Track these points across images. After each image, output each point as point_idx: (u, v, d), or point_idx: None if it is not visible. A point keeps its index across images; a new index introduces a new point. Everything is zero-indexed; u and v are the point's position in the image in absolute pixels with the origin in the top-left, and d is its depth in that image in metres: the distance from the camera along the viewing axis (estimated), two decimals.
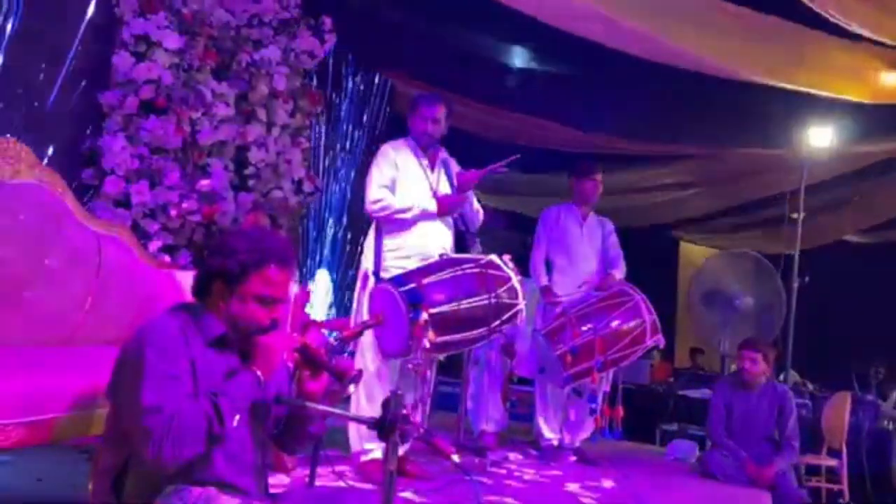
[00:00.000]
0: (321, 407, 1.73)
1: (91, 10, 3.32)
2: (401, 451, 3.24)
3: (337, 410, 1.74)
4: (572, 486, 3.63)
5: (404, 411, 1.48)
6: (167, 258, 3.56)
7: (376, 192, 3.31)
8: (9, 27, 3.02)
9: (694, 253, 9.69)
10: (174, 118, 3.59)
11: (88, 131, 3.48)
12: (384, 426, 1.46)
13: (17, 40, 3.06)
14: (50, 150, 3.28)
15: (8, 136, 2.62)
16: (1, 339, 2.31)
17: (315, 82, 4.70)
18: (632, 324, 3.99)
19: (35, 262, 2.55)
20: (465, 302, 3.02)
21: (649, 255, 9.02)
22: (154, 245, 3.56)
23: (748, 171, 7.01)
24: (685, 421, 6.05)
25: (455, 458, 1.54)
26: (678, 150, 6.58)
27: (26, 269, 2.50)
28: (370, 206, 3.32)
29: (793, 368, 5.99)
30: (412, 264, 3.20)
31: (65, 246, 2.69)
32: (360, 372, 1.79)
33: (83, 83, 3.43)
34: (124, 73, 3.51)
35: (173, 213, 3.56)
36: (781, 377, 5.53)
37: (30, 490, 2.65)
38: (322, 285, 5.66)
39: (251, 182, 4.12)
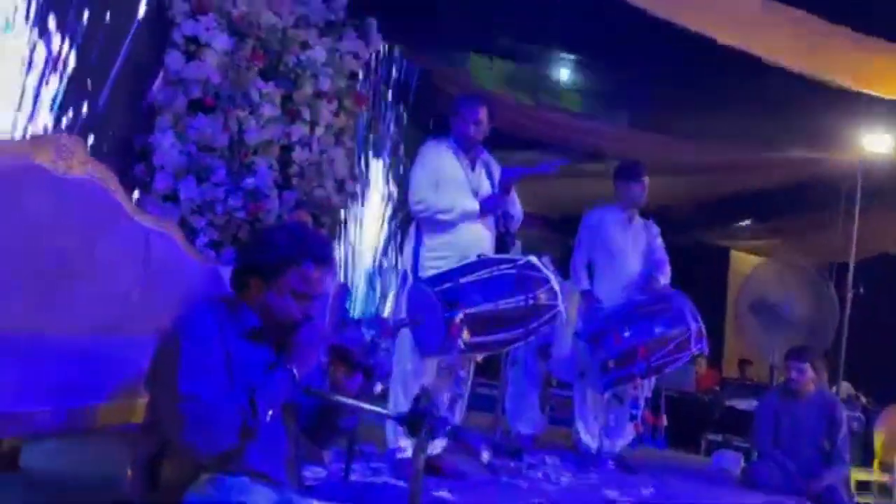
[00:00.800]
0: (350, 400, 1.74)
1: (142, 11, 3.42)
2: (436, 449, 3.26)
3: (366, 405, 1.74)
4: (610, 493, 3.58)
5: (434, 408, 1.47)
6: (213, 253, 3.65)
7: (420, 192, 3.33)
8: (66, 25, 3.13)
9: (745, 261, 9.47)
10: (222, 117, 3.68)
11: (140, 128, 3.58)
12: (412, 422, 1.46)
13: (73, 40, 3.17)
14: (104, 147, 3.38)
15: (62, 132, 2.71)
16: (50, 328, 2.39)
17: (360, 82, 4.75)
18: (676, 330, 3.92)
19: (86, 254, 2.63)
20: (501, 302, 3.01)
21: (699, 262, 8.89)
22: (200, 240, 3.65)
23: (802, 178, 6.81)
24: (731, 432, 5.91)
25: (485, 456, 1.53)
26: (727, 152, 6.42)
27: (77, 261, 2.59)
28: (414, 206, 3.34)
29: (846, 380, 5.79)
30: (450, 264, 3.20)
31: (114, 239, 2.77)
32: (389, 372, 1.80)
33: (135, 82, 3.54)
34: (175, 72, 3.61)
35: (219, 209, 3.64)
36: (834, 389, 5.35)
37: (74, 475, 2.74)
38: (362, 282, 5.71)
39: (295, 181, 4.19)
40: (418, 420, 1.46)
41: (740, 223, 8.64)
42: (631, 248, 4.29)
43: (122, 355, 2.30)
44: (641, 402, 4.10)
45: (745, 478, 4.34)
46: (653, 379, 4.12)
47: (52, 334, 2.35)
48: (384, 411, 1.65)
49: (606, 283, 4.23)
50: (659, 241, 4.39)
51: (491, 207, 3.34)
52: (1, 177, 2.40)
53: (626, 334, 3.88)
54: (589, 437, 4.20)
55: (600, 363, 3.86)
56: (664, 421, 4.18)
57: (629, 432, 4.26)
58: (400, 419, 1.50)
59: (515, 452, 4.18)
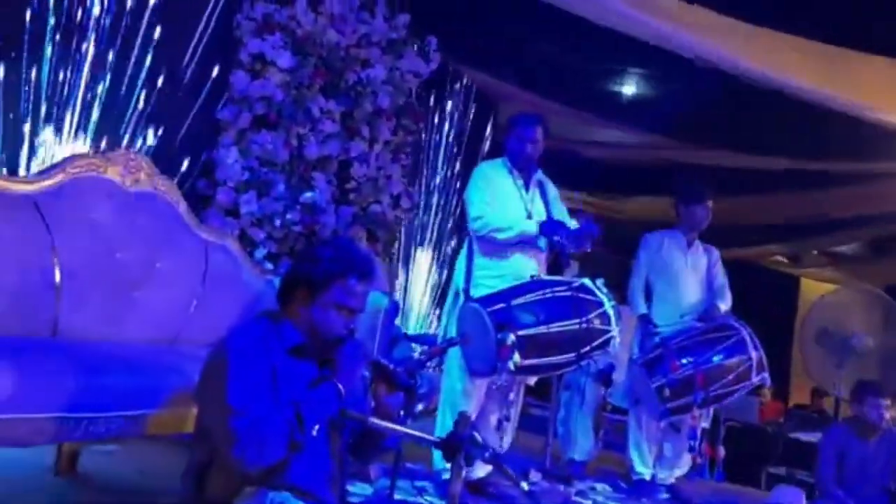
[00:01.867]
0: (384, 423, 1.74)
1: (209, 30, 3.55)
2: (482, 472, 3.23)
3: (401, 428, 1.74)
4: None
5: (473, 433, 1.46)
6: (270, 266, 3.72)
7: (478, 210, 3.31)
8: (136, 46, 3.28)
9: (815, 289, 9.12)
10: (283, 133, 3.76)
11: (205, 144, 3.70)
12: (449, 447, 1.44)
13: (142, 58, 3.31)
14: (170, 162, 3.51)
15: (130, 149, 2.82)
16: (111, 336, 2.48)
17: (418, 99, 4.80)
18: (736, 359, 3.77)
19: (148, 266, 2.73)
20: (554, 326, 2.96)
21: (768, 289, 8.59)
22: (259, 253, 3.73)
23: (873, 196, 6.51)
24: (795, 465, 5.65)
25: (524, 485, 1.50)
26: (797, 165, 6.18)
27: (139, 272, 2.69)
28: (472, 223, 3.32)
29: None
30: (503, 284, 3.17)
31: (175, 251, 2.86)
32: (430, 392, 1.80)
33: (201, 99, 3.66)
34: (240, 90, 3.71)
35: (278, 223, 3.72)
36: None
37: (132, 479, 2.82)
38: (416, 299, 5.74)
39: (352, 196, 4.25)
40: (455, 446, 1.44)
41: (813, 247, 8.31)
42: (690, 273, 4.17)
43: (177, 365, 2.36)
44: (699, 433, 3.96)
45: None
46: (711, 409, 3.98)
47: (113, 343, 2.44)
48: (419, 434, 1.64)
49: (664, 307, 4.12)
50: (720, 266, 4.26)
51: (548, 233, 3.30)
52: (74, 191, 2.53)
53: (684, 362, 3.76)
54: (643, 466, 4.09)
55: (656, 390, 3.75)
56: (722, 453, 4.02)
57: (685, 463, 4.13)
58: (437, 444, 1.49)
59: (565, 478, 4.11)
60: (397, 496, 2.77)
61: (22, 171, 2.96)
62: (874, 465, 4.04)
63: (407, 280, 5.71)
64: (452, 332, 3.22)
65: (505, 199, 3.36)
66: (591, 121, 5.98)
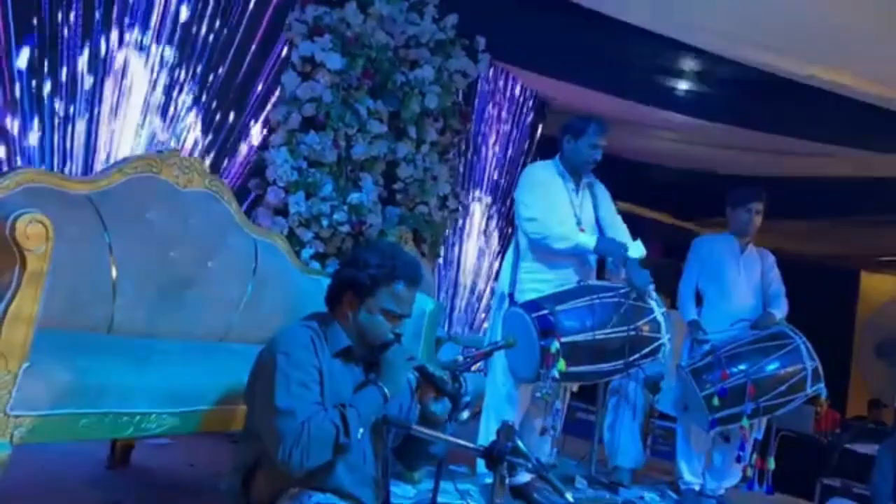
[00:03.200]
0: (427, 430, 1.74)
1: (260, 33, 3.61)
2: (527, 476, 3.20)
3: (443, 435, 1.73)
4: None
5: (516, 443, 1.44)
6: (317, 265, 3.76)
7: (531, 212, 3.25)
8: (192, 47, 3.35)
9: (877, 287, 8.61)
10: (332, 134, 3.79)
11: (256, 144, 3.76)
12: (492, 456, 1.43)
13: (198, 60, 3.38)
14: (222, 161, 3.58)
15: (184, 149, 2.88)
16: (163, 334, 2.53)
17: (465, 99, 4.78)
18: (790, 369, 3.65)
19: (199, 264, 2.78)
20: (600, 333, 2.91)
21: (824, 289, 8.21)
22: (307, 252, 3.77)
23: None
24: (851, 478, 5.45)
25: (569, 496, 1.48)
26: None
27: (192, 270, 2.74)
28: (526, 225, 3.26)
29: None
30: (549, 288, 3.13)
31: (226, 250, 2.91)
32: (471, 402, 1.78)
33: (252, 100, 3.73)
34: (291, 91, 3.76)
35: (325, 223, 3.75)
36: None
37: (182, 473, 2.88)
38: (462, 301, 5.72)
39: (398, 196, 4.26)
40: (497, 456, 1.43)
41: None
42: (742, 279, 4.05)
43: (227, 363, 2.40)
44: (750, 444, 3.85)
45: None
46: (763, 419, 3.86)
47: (167, 340, 2.50)
48: (462, 443, 1.63)
49: (715, 313, 4.01)
50: (776, 272, 4.12)
51: (603, 251, 3.23)
52: (130, 191, 2.60)
53: (735, 370, 3.65)
54: (691, 476, 3.99)
55: (704, 399, 3.66)
56: (772, 464, 3.90)
57: (735, 474, 4.02)
58: (480, 452, 1.48)
59: (612, 487, 4.04)
60: (440, 499, 2.77)
61: (79, 171, 3.05)
62: None
63: (454, 282, 5.70)
64: (497, 336, 3.20)
65: (556, 203, 3.31)
66: (645, 120, 5.86)
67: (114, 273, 2.42)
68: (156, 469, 2.82)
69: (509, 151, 5.97)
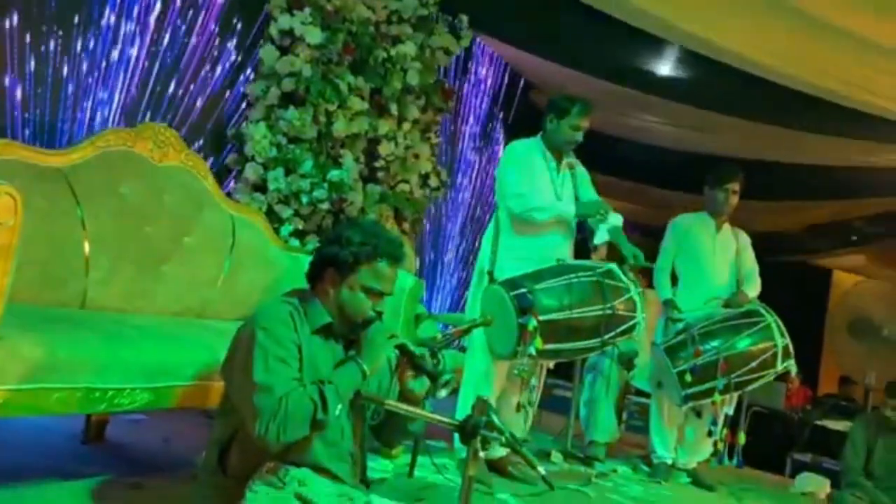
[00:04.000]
0: (402, 406, 1.75)
1: (240, 5, 3.55)
2: (503, 451, 3.24)
3: (418, 411, 1.75)
4: None
5: (491, 418, 1.46)
6: (297, 243, 3.74)
7: (515, 188, 3.26)
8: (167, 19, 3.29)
9: (847, 282, 8.93)
10: (311, 110, 3.75)
11: (234, 119, 3.71)
12: (464, 431, 1.45)
13: (174, 33, 3.32)
14: (198, 136, 3.54)
15: (158, 121, 2.84)
16: (138, 310, 2.52)
17: (448, 76, 4.75)
18: (761, 346, 3.72)
19: (175, 240, 2.76)
20: (577, 311, 2.94)
21: (800, 280, 8.42)
22: (286, 230, 3.75)
23: None
24: (820, 452, 5.59)
25: (541, 469, 1.50)
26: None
27: (167, 246, 2.72)
28: (510, 201, 3.26)
29: None
30: (528, 266, 3.15)
31: (203, 226, 2.89)
32: (450, 381, 1.80)
33: (230, 74, 3.68)
34: (269, 65, 3.71)
35: (305, 200, 3.73)
36: None
37: (157, 449, 2.88)
38: (442, 278, 5.74)
39: (380, 174, 4.24)
40: (471, 431, 1.45)
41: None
42: (718, 258, 4.10)
43: (204, 339, 2.39)
44: (721, 419, 3.93)
45: None
46: (735, 395, 3.94)
47: (142, 315, 2.48)
48: (437, 417, 1.64)
49: (690, 292, 4.06)
50: (750, 252, 4.18)
51: (584, 213, 3.25)
52: (103, 165, 2.56)
53: (707, 347, 3.72)
54: (664, 450, 4.07)
55: (678, 375, 3.72)
56: (742, 439, 3.98)
57: (706, 448, 4.10)
58: (454, 427, 1.49)
59: (587, 460, 4.11)
60: (418, 473, 2.80)
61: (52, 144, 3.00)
62: None
63: (433, 259, 5.72)
64: (476, 313, 3.22)
65: (537, 181, 3.33)
66: (626, 102, 5.86)
67: (87, 248, 2.40)
68: (131, 444, 2.82)
69: (488, 130, 5.96)
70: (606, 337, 2.99)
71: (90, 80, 3.08)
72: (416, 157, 4.43)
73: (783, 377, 3.86)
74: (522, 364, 2.85)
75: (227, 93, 3.68)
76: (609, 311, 2.97)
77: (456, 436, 3.20)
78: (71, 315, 2.21)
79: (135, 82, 3.24)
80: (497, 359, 3.17)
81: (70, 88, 3.02)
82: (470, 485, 1.43)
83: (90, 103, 3.10)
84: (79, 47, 3.01)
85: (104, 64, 3.11)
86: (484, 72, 5.87)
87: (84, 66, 3.04)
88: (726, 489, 4.04)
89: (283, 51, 3.75)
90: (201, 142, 3.56)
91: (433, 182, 4.59)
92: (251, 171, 3.67)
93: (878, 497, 3.92)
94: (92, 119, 3.12)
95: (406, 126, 4.35)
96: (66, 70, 2.99)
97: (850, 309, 5.30)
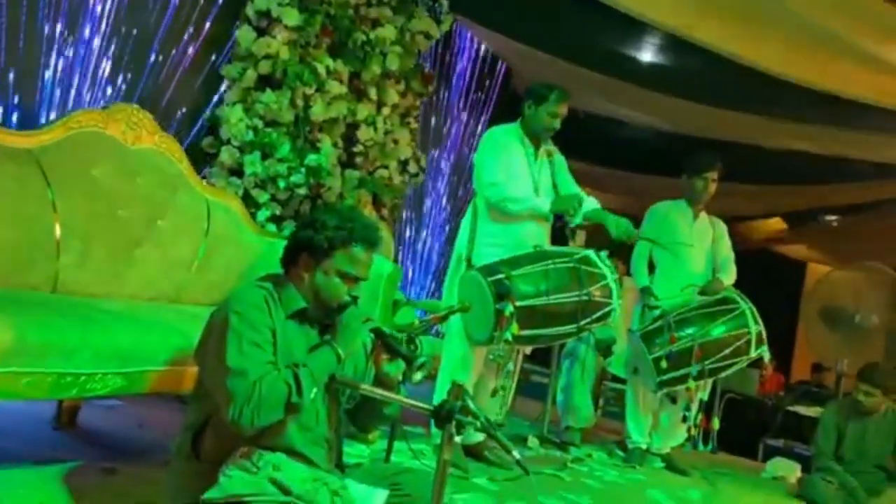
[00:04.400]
0: (377, 390, 1.75)
1: None
2: (479, 436, 3.26)
3: (393, 395, 1.74)
4: (655, 494, 3.50)
5: (466, 403, 1.46)
6: (273, 228, 3.71)
7: (491, 176, 3.25)
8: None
9: (821, 273, 9.15)
10: (289, 93, 3.70)
11: (209, 102, 3.66)
12: (440, 416, 1.45)
13: (148, 13, 3.26)
14: (173, 119, 3.48)
15: (133, 103, 2.79)
16: (111, 294, 2.49)
17: (429, 62, 4.71)
18: (735, 333, 3.78)
19: (149, 223, 2.73)
20: (554, 297, 2.95)
21: (776, 271, 8.58)
22: (262, 214, 3.71)
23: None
24: (792, 438, 5.69)
25: (515, 454, 1.51)
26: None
27: (140, 229, 2.68)
28: (485, 190, 3.27)
29: None
30: (505, 252, 3.16)
31: (177, 209, 2.86)
32: (425, 364, 1.80)
33: (206, 56, 3.62)
34: (246, 47, 3.65)
35: (282, 185, 3.69)
36: None
37: (131, 434, 2.86)
38: (419, 264, 5.74)
39: (358, 160, 4.21)
40: (445, 416, 1.45)
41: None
42: (694, 246, 4.14)
43: (178, 324, 2.37)
44: (696, 405, 3.98)
45: (800, 490, 4.18)
46: (709, 381, 3.99)
47: (114, 300, 2.45)
48: (411, 402, 1.64)
49: (666, 279, 4.10)
50: (726, 240, 4.23)
51: (558, 208, 3.23)
52: (75, 147, 2.52)
53: (683, 334, 3.76)
54: (639, 435, 4.12)
55: (654, 362, 3.76)
56: (716, 425, 4.04)
57: (680, 433, 4.16)
58: (429, 412, 1.49)
59: (562, 446, 4.15)
60: (394, 458, 2.81)
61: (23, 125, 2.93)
62: (872, 444, 4.07)
63: (410, 245, 5.70)
64: (454, 299, 3.22)
65: (514, 167, 3.32)
66: (607, 90, 5.87)
67: (58, 231, 2.36)
68: (104, 430, 2.79)
69: (468, 115, 5.94)
70: (583, 323, 3.01)
71: (61, 60, 3.01)
72: (396, 142, 4.40)
73: (757, 364, 3.90)
74: (498, 349, 2.86)
75: (203, 75, 3.62)
76: (585, 298, 2.98)
77: (432, 421, 3.24)
78: (41, 299, 2.18)
79: (108, 62, 3.17)
80: (474, 344, 3.18)
81: (40, 68, 2.95)
82: (445, 469, 1.43)
83: (61, 84, 3.03)
84: (48, 25, 2.94)
85: (74, 41, 3.04)
86: (465, 56, 5.84)
87: (55, 46, 2.97)
88: (699, 474, 4.10)
89: (260, 32, 3.70)
90: (176, 125, 3.49)
91: (412, 168, 4.57)
92: (227, 155, 3.62)
93: (847, 480, 4.00)
94: (63, 100, 3.06)
95: (385, 111, 4.32)
96: (35, 49, 2.92)
97: (822, 296, 5.37)
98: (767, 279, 6.05)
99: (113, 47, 3.16)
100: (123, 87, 3.23)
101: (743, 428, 5.76)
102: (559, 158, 3.49)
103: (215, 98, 3.70)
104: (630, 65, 5.16)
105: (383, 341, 1.86)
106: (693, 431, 4.06)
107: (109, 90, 3.18)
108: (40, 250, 2.31)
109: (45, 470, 2.16)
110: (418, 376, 1.80)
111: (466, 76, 5.90)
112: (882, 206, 7.13)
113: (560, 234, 3.50)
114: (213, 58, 3.66)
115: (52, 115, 2.97)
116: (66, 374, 1.93)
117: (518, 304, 2.86)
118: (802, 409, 5.97)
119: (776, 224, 8.79)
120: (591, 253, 3.14)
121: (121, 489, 2.19)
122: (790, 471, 4.69)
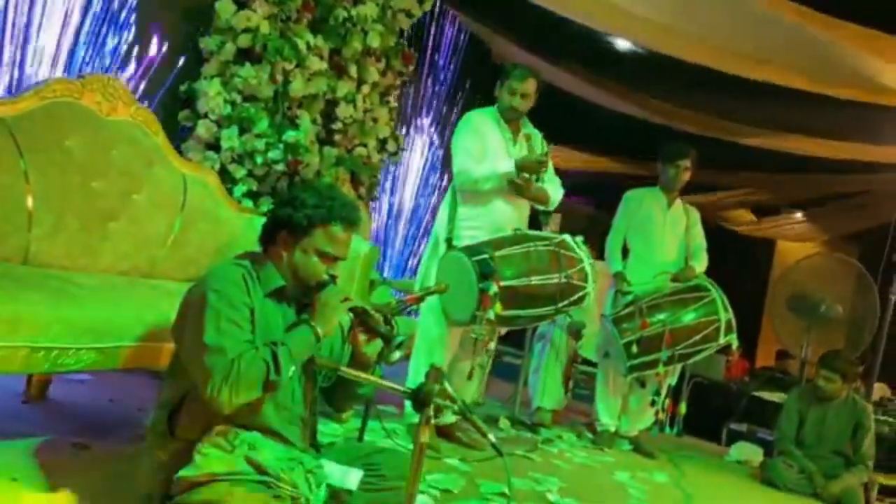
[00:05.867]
0: (355, 372, 1.75)
1: None
2: (452, 417, 3.29)
3: (371, 378, 1.75)
4: (622, 475, 3.58)
5: (443, 385, 1.47)
6: (250, 204, 3.67)
7: (461, 163, 3.27)
8: None
9: (791, 252, 9.29)
10: (269, 68, 3.65)
11: (187, 75, 3.59)
12: (418, 399, 1.46)
13: None
14: (150, 91, 3.41)
15: (108, 73, 2.73)
16: (84, 267, 2.45)
17: (409, 41, 4.67)
18: (705, 320, 3.85)
19: (124, 197, 2.68)
20: (535, 278, 2.99)
21: (744, 251, 8.70)
22: (239, 190, 3.67)
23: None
24: (756, 423, 5.82)
25: (491, 436, 1.53)
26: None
27: (115, 203, 2.64)
28: (457, 178, 3.29)
29: (881, 381, 5.64)
30: (485, 234, 3.18)
31: (152, 183, 2.81)
32: (403, 343, 1.81)
33: (187, 26, 3.54)
34: (225, 19, 3.58)
35: (259, 160, 3.65)
36: (863, 391, 5.22)
37: (102, 408, 2.83)
38: (398, 244, 5.74)
39: (337, 137, 4.17)
40: (423, 398, 1.46)
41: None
42: (668, 233, 4.20)
43: (152, 300, 2.35)
44: (664, 389, 4.06)
45: (762, 473, 4.30)
46: (678, 366, 4.07)
47: (87, 274, 2.41)
48: (390, 384, 1.65)
49: (639, 265, 4.16)
50: (699, 228, 4.29)
51: (522, 163, 3.20)
52: (48, 116, 2.46)
53: (654, 320, 3.83)
54: (608, 418, 4.19)
55: (624, 346, 3.83)
56: (682, 410, 4.13)
57: (648, 417, 4.24)
58: (407, 395, 1.51)
59: (533, 427, 4.21)
60: (367, 437, 2.82)
61: None
62: (831, 429, 4.19)
63: (388, 224, 5.69)
64: (431, 280, 3.23)
65: (491, 151, 3.33)
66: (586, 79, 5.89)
67: (30, 202, 2.31)
68: (74, 403, 2.76)
69: (448, 95, 5.91)
70: (560, 305, 3.05)
71: (31, 28, 2.92)
72: (375, 120, 4.36)
73: (724, 350, 3.99)
74: (480, 329, 2.89)
75: (181, 46, 3.54)
76: (565, 280, 3.03)
77: (407, 402, 3.26)
78: (12, 271, 2.13)
79: (82, 30, 3.09)
80: (453, 325, 3.20)
81: (9, 36, 2.87)
82: (422, 452, 1.44)
83: (32, 52, 2.95)
84: None
85: (45, 8, 2.96)
86: (448, 36, 5.80)
87: (25, 12, 2.89)
88: (666, 456, 4.19)
89: (241, 5, 3.63)
90: (153, 96, 3.43)
91: (391, 147, 4.54)
92: (204, 129, 3.56)
93: (807, 464, 4.12)
94: (35, 68, 2.98)
95: (365, 89, 4.28)
96: (5, 16, 2.84)
97: (790, 284, 5.48)
98: (735, 260, 6.06)
99: (92, 17, 3.08)
100: (101, 57, 3.15)
101: (708, 412, 5.87)
102: (539, 142, 3.48)
103: (195, 71, 3.62)
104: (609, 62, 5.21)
105: (362, 320, 1.86)
106: (661, 415, 4.14)
107: (86, 60, 3.10)
108: (11, 221, 2.26)
109: (15, 444, 2.13)
110: (396, 356, 1.81)
111: (448, 56, 5.85)
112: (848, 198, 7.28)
113: (534, 219, 3.53)
114: (193, 30, 3.58)
115: (23, 85, 2.90)
116: (39, 347, 1.89)
117: (502, 283, 2.89)
118: (766, 395, 6.09)
119: (746, 215, 8.97)
120: (567, 237, 3.18)
121: (93, 464, 2.17)
122: (752, 455, 4.82)
